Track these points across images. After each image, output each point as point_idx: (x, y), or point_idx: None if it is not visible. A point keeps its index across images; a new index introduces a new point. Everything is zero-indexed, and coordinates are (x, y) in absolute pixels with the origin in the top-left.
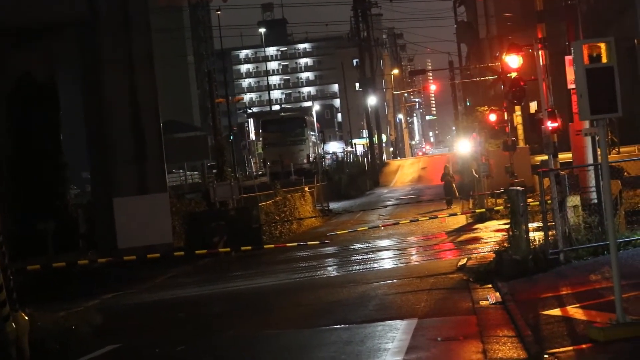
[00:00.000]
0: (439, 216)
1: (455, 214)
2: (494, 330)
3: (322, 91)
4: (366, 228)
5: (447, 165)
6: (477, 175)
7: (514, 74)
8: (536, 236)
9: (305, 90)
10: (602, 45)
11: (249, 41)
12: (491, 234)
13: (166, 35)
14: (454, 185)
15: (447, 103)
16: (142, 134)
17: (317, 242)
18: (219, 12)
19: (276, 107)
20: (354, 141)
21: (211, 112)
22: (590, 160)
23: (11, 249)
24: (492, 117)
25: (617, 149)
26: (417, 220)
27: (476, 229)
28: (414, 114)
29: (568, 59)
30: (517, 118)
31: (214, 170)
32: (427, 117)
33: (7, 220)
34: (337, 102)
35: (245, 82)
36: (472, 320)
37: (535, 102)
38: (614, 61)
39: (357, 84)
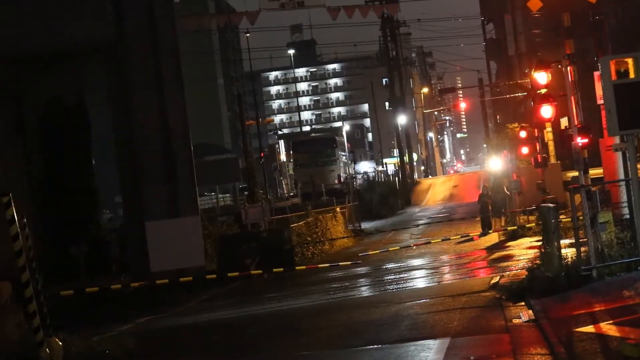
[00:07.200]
0: (471, 234)
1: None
2: (527, 348)
3: (352, 111)
4: (398, 247)
5: (487, 185)
6: (508, 193)
7: (543, 90)
8: (568, 253)
9: (336, 110)
10: (630, 61)
11: (279, 63)
12: (523, 251)
13: (196, 58)
14: (489, 207)
15: (478, 120)
16: (173, 157)
17: (349, 262)
18: (248, 35)
19: (306, 128)
20: (385, 160)
21: (242, 134)
22: (622, 176)
23: (44, 274)
24: (523, 134)
25: None
26: (449, 239)
27: (508, 246)
28: (445, 132)
29: (597, 74)
30: (548, 134)
31: (246, 193)
32: (458, 135)
33: (39, 245)
34: (367, 122)
35: (276, 104)
36: (505, 339)
37: (566, 118)
38: None
39: (387, 103)
